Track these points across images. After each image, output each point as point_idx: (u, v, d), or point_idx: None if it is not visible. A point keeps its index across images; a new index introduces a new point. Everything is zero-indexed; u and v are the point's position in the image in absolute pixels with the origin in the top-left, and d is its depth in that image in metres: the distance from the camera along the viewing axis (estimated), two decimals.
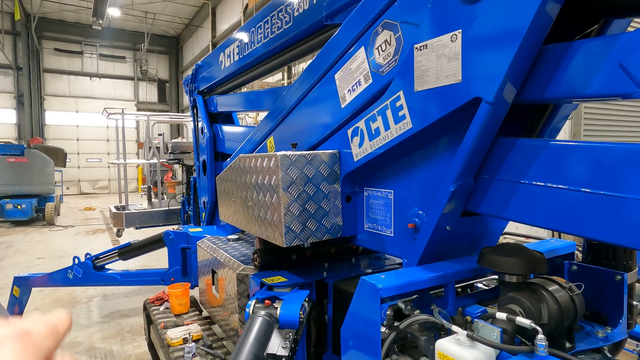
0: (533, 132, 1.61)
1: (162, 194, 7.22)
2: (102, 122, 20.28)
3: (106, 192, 22.98)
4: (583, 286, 1.26)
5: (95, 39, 22.05)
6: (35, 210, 12.34)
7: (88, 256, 4.28)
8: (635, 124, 7.12)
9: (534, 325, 1.07)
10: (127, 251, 4.14)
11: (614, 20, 1.36)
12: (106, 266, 4.34)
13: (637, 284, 1.44)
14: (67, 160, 16.54)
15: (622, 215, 1.03)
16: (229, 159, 3.44)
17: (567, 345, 1.23)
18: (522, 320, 1.10)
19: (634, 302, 1.43)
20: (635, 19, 1.95)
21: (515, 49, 1.16)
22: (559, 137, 1.69)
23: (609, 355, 1.35)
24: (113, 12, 17.84)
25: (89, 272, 4.18)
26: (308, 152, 1.90)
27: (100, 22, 15.16)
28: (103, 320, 5.15)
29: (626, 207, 1.02)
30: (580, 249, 1.61)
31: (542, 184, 1.21)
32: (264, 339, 1.68)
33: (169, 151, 6.46)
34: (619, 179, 1.04)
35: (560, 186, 1.16)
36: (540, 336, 1.04)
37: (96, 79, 22.99)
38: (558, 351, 1.06)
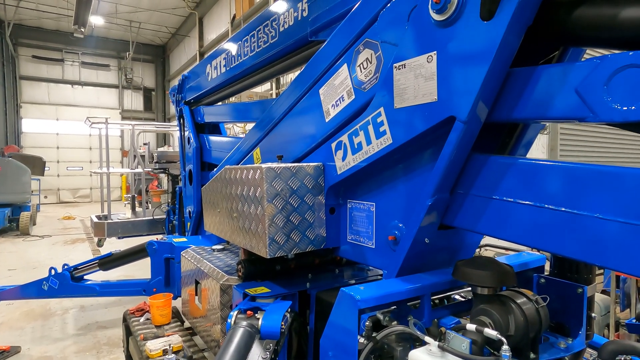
0: (506, 148, 1.69)
1: (146, 203, 7.13)
2: (84, 130, 19.87)
3: (87, 200, 22.47)
4: (548, 298, 1.33)
5: (77, 46, 21.68)
6: (8, 220, 11.94)
7: (66, 267, 4.20)
8: (609, 139, 7.41)
9: (499, 336, 1.14)
10: (108, 261, 4.08)
11: (570, 48, 1.46)
12: (85, 277, 4.26)
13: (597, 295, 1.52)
14: (46, 168, 16.14)
15: (580, 232, 1.11)
16: (215, 169, 3.46)
17: (532, 356, 1.30)
18: (489, 332, 1.16)
19: (592, 314, 1.51)
20: (592, 49, 2.08)
21: (486, 70, 1.23)
22: (537, 152, 1.78)
23: None
24: (96, 20, 17.63)
25: (66, 283, 4.09)
26: (293, 164, 1.94)
27: (82, 30, 14.88)
28: (79, 333, 5.00)
29: (584, 225, 1.10)
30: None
31: (511, 199, 1.28)
32: (244, 349, 1.70)
33: (155, 160, 6.41)
34: (579, 197, 1.12)
35: (526, 202, 1.24)
36: (505, 347, 1.10)
37: (78, 86, 22.60)
38: None
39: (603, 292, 4.49)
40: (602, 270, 4.69)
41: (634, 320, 2.06)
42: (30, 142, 21.20)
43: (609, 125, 1.16)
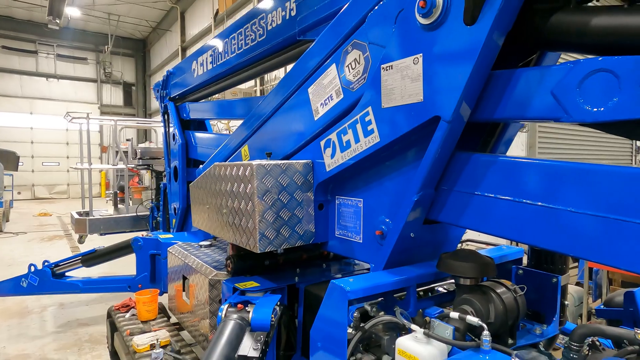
0: (487, 146, 1.78)
1: (128, 199, 7.02)
2: (61, 124, 19.21)
3: (64, 197, 21.85)
4: (525, 288, 1.43)
5: (52, 38, 20.88)
6: None
7: (46, 263, 4.12)
8: (586, 136, 7.70)
9: (480, 323, 1.22)
10: (92, 258, 4.02)
11: (547, 52, 1.55)
12: (67, 273, 4.19)
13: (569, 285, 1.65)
14: (20, 163, 15.63)
15: (555, 224, 1.19)
16: (202, 166, 3.45)
17: (510, 341, 1.40)
18: (471, 319, 1.24)
19: (566, 302, 1.62)
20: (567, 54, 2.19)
21: (469, 72, 1.30)
22: (517, 149, 1.88)
23: (542, 349, 1.55)
24: (72, 12, 17.00)
25: (47, 279, 4.02)
26: (283, 161, 1.98)
27: (57, 21, 14.27)
28: (58, 330, 4.89)
29: (559, 218, 1.18)
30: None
31: (491, 195, 1.36)
32: (235, 341, 1.74)
33: (138, 157, 6.32)
34: (554, 192, 1.20)
35: (506, 197, 1.32)
36: (485, 332, 1.18)
37: (53, 80, 21.84)
38: (500, 346, 1.21)
39: (577, 284, 4.70)
40: (576, 263, 4.91)
41: (602, 306, 2.20)
42: (2, 137, 20.43)
43: (581, 125, 1.25)
